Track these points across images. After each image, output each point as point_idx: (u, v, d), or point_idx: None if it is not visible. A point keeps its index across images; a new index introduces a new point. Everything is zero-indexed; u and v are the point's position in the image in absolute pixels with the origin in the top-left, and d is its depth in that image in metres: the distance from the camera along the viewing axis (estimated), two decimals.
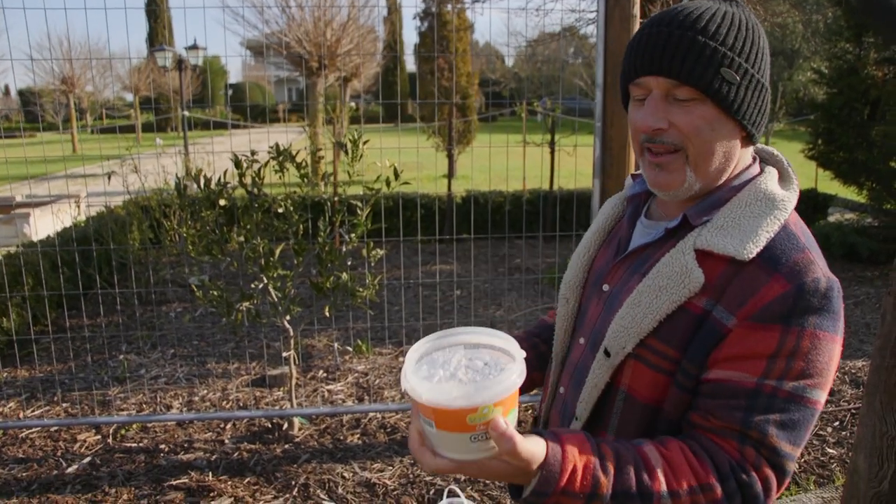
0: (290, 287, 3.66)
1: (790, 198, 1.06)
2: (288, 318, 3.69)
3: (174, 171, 5.34)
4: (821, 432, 3.88)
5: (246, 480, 3.38)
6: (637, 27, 3.19)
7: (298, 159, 3.49)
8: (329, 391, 4.45)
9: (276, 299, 3.63)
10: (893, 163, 7.72)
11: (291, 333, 3.77)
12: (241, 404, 4.26)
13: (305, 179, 3.53)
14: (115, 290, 5.36)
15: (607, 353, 1.08)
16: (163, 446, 3.72)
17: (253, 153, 3.45)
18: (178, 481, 3.36)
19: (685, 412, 1.03)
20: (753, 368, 0.96)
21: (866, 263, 7.57)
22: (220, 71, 38.85)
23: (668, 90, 1.02)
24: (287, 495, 3.26)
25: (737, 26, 1.01)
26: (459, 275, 7.40)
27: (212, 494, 3.25)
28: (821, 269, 0.98)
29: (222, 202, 3.48)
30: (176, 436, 3.83)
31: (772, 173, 1.10)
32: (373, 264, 3.70)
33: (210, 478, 3.39)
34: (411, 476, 3.42)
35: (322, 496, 3.25)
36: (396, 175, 3.48)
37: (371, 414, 4.06)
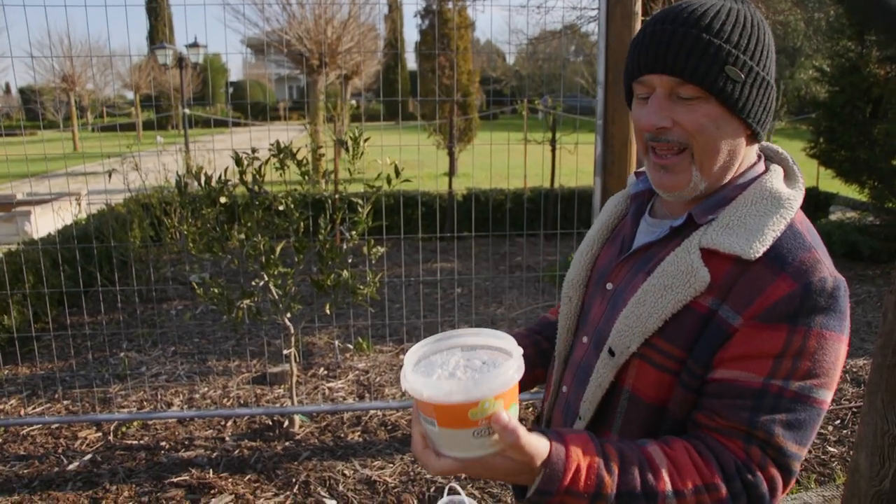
0: (290, 285, 3.66)
1: (796, 196, 1.06)
2: (289, 315, 3.69)
3: (175, 169, 5.34)
4: (822, 431, 3.88)
5: (247, 478, 3.38)
6: (639, 25, 3.19)
7: (299, 157, 3.49)
8: (330, 389, 4.45)
9: (276, 297, 3.63)
10: (895, 161, 7.72)
11: (292, 331, 3.77)
12: (242, 402, 4.26)
13: (306, 177, 3.53)
14: (116, 287, 5.36)
15: (612, 353, 1.07)
16: (164, 443, 3.72)
17: (254, 150, 3.45)
18: (178, 478, 3.37)
19: (690, 412, 1.03)
20: (759, 368, 0.95)
21: (867, 262, 7.56)
22: (221, 69, 38.85)
23: (672, 88, 1.01)
24: (287, 492, 3.26)
25: (741, 23, 1.00)
26: (460, 272, 7.39)
27: (212, 492, 3.25)
28: (827, 269, 0.98)
29: (223, 200, 3.48)
30: (177, 433, 3.83)
31: (777, 171, 1.09)
32: (374, 262, 3.70)
33: (211, 475, 3.39)
34: (412, 474, 3.42)
35: (323, 493, 3.25)
36: (397, 172, 3.48)
37: (372, 411, 4.06)
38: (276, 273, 3.57)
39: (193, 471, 3.43)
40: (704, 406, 1.00)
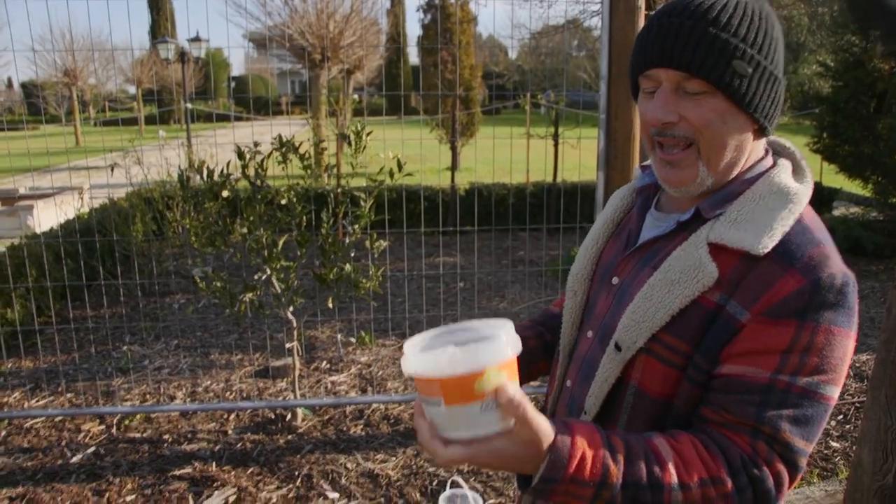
0: (293, 278, 3.66)
1: (804, 191, 1.05)
2: (291, 309, 3.69)
3: (177, 164, 5.34)
4: (825, 426, 3.88)
5: (249, 471, 3.39)
6: (642, 18, 3.18)
7: (301, 151, 3.48)
8: (332, 382, 4.45)
9: (279, 290, 3.63)
10: None
11: (294, 325, 3.77)
12: (245, 395, 4.26)
13: (309, 171, 3.52)
14: (119, 281, 5.37)
15: (618, 348, 1.06)
16: (166, 437, 3.72)
17: (256, 144, 3.45)
18: (181, 471, 3.37)
19: (696, 407, 1.02)
20: (767, 363, 0.95)
21: (871, 257, 7.55)
22: (223, 63, 38.81)
23: (679, 83, 1.00)
24: (290, 485, 3.26)
25: (749, 17, 0.99)
26: (463, 267, 7.39)
27: (215, 484, 3.26)
28: (836, 265, 0.97)
29: (225, 193, 3.48)
30: (179, 426, 3.84)
31: (785, 166, 1.08)
32: (376, 256, 3.70)
33: (213, 468, 3.40)
34: (414, 467, 3.42)
35: (325, 486, 3.26)
36: (400, 166, 3.47)
37: (374, 405, 4.07)
38: (278, 267, 3.57)
39: (196, 464, 3.44)
40: (711, 401, 0.99)
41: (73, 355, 4.94)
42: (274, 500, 3.15)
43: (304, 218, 3.58)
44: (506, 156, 5.60)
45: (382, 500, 3.17)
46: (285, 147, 3.42)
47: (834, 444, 3.67)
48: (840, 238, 7.49)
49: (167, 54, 19.15)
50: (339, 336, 5.25)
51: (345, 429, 3.82)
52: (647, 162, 1.24)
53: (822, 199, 9.55)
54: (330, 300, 3.71)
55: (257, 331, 5.44)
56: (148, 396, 4.26)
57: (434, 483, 3.28)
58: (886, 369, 2.35)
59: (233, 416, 3.96)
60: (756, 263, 0.98)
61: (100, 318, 5.77)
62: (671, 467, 0.93)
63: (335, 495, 3.19)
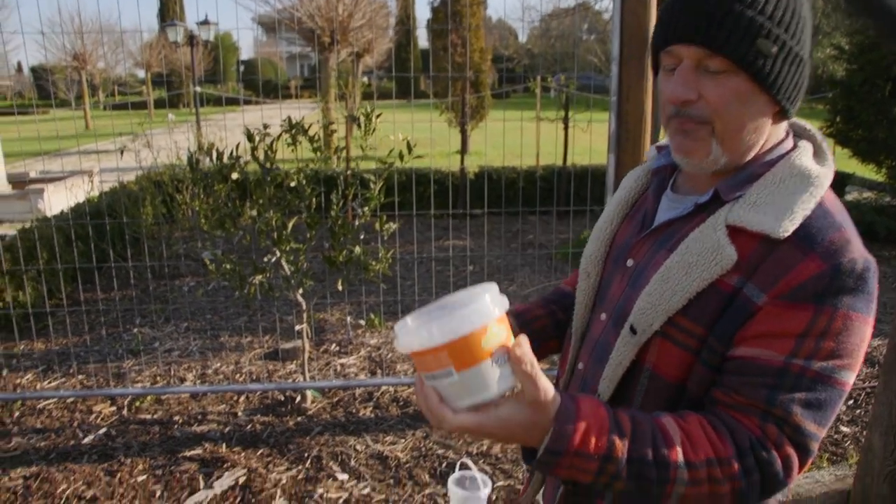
0: (302, 261, 3.66)
1: (826, 174, 1.02)
2: (301, 291, 3.69)
3: (186, 147, 5.34)
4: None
5: (259, 452, 3.41)
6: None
7: (311, 133, 3.47)
8: (342, 365, 4.47)
9: (288, 273, 3.63)
10: None
11: (304, 307, 3.78)
12: (254, 377, 4.28)
13: (318, 153, 3.51)
14: (129, 264, 5.39)
15: (633, 331, 1.05)
16: (177, 418, 3.75)
17: (265, 127, 3.44)
18: (192, 452, 3.40)
19: (708, 389, 1.01)
20: (782, 347, 0.93)
21: (884, 242, 7.49)
22: (232, 47, 38.75)
23: (700, 60, 0.97)
24: (300, 467, 3.28)
25: None
26: (472, 250, 7.39)
27: (225, 465, 3.28)
28: (858, 249, 0.94)
29: (235, 176, 3.47)
30: (190, 408, 3.86)
31: (806, 148, 1.06)
32: (385, 238, 3.69)
33: (224, 449, 3.42)
34: (423, 449, 3.43)
35: (335, 468, 3.28)
36: (410, 149, 3.45)
37: (384, 387, 4.08)
38: (288, 249, 3.57)
39: (206, 445, 3.46)
40: (723, 383, 0.98)
41: (84, 337, 4.97)
42: (283, 481, 3.17)
43: (314, 200, 3.58)
44: (516, 139, 5.58)
45: (391, 481, 3.18)
46: (295, 129, 3.41)
47: (844, 428, 3.66)
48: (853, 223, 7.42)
49: (176, 37, 19.11)
50: (348, 318, 5.27)
51: (354, 411, 3.83)
52: (663, 142, 1.22)
53: (835, 183, 9.21)
54: (339, 283, 3.72)
55: (267, 313, 5.45)
56: (158, 378, 4.29)
57: (443, 465, 3.29)
58: None
59: (242, 397, 3.98)
60: (776, 247, 0.96)
61: (110, 300, 5.81)
62: (678, 445, 0.92)
63: (344, 476, 3.21)
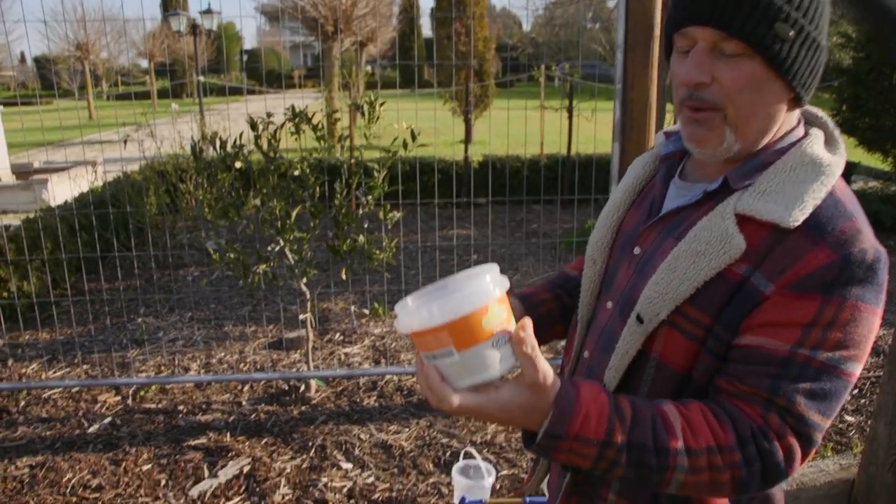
0: (306, 250, 3.65)
1: (837, 162, 1.00)
2: (304, 280, 3.69)
3: (190, 136, 5.33)
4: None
5: (263, 441, 3.41)
6: None
7: (314, 121, 3.46)
8: (346, 354, 4.47)
9: (292, 262, 3.63)
10: None
11: (308, 296, 3.78)
12: (259, 367, 4.29)
13: (322, 141, 3.50)
14: (133, 253, 5.39)
15: (640, 320, 1.03)
16: (181, 407, 3.76)
17: (269, 115, 3.42)
18: (196, 441, 3.41)
19: (713, 377, 1.00)
20: (787, 336, 0.92)
21: (889, 232, 7.46)
22: (235, 37, 38.65)
23: (716, 42, 0.95)
24: (304, 456, 3.29)
25: None
26: (476, 239, 7.37)
27: (230, 454, 3.28)
28: (868, 239, 0.93)
29: (238, 165, 3.46)
30: (194, 397, 3.87)
31: (818, 136, 1.04)
32: (389, 227, 3.69)
33: (228, 438, 3.43)
34: (427, 438, 3.44)
35: (339, 457, 3.28)
36: (413, 137, 3.44)
37: (388, 376, 4.08)
38: (291, 238, 3.56)
39: (211, 434, 3.47)
40: (727, 371, 0.97)
41: (88, 327, 4.98)
42: (288, 470, 3.18)
43: (318, 189, 3.57)
44: (520, 128, 5.55)
45: (396, 470, 3.19)
46: (298, 117, 3.39)
47: (849, 418, 3.65)
48: None
49: (179, 27, 19.06)
50: (352, 308, 5.27)
51: (358, 400, 3.84)
52: (671, 128, 1.21)
53: (842, 172, 9.42)
54: (343, 272, 3.71)
55: (271, 303, 5.46)
56: (163, 368, 4.30)
57: (447, 454, 3.30)
58: None
59: (247, 387, 3.99)
60: (785, 236, 0.94)
61: (114, 290, 5.81)
62: (678, 433, 0.91)
63: (349, 466, 3.22)
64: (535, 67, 11.77)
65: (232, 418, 3.64)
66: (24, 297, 4.93)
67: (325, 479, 3.10)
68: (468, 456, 2.93)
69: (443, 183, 8.69)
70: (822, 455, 3.26)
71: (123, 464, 3.22)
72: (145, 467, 3.20)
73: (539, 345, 0.92)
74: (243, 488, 3.04)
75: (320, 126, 3.49)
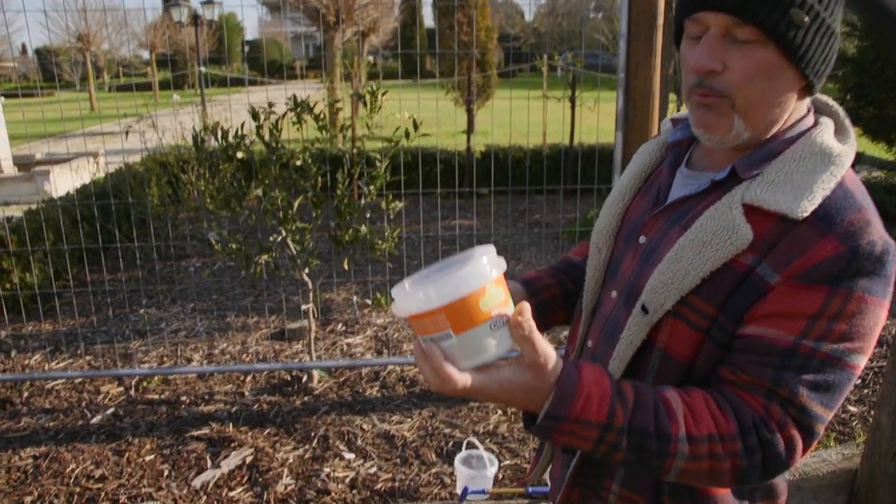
0: (308, 240, 3.65)
1: (847, 153, 0.98)
2: (307, 271, 3.68)
3: (191, 127, 5.33)
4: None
5: (266, 431, 3.42)
6: None
7: (316, 111, 3.44)
8: (348, 344, 4.47)
9: (294, 252, 3.62)
10: None
11: (310, 287, 3.77)
12: (261, 357, 4.29)
13: (324, 131, 3.49)
14: (135, 244, 5.39)
15: (645, 310, 1.02)
16: (184, 398, 3.76)
17: (270, 105, 3.41)
18: (199, 432, 3.41)
19: (716, 367, 0.99)
20: (792, 327, 0.91)
21: (893, 222, 7.44)
22: (237, 27, 38.56)
23: (728, 29, 0.93)
24: (307, 446, 3.29)
25: None
26: (479, 229, 7.36)
27: (232, 445, 3.29)
28: (877, 231, 0.91)
29: (240, 155, 3.45)
30: (196, 388, 3.88)
31: (828, 125, 1.02)
32: (391, 217, 3.68)
33: (231, 429, 3.43)
34: (430, 428, 3.44)
35: (341, 447, 3.29)
36: (416, 127, 3.42)
37: (390, 367, 4.08)
38: (293, 228, 3.56)
39: (213, 424, 3.47)
40: (730, 361, 0.96)
41: (91, 318, 4.99)
42: (290, 460, 3.18)
43: (320, 179, 3.56)
44: (522, 118, 5.53)
45: (398, 460, 3.19)
46: (300, 107, 3.38)
47: (852, 408, 3.65)
48: None
49: (180, 18, 19.02)
50: (354, 298, 5.26)
51: (360, 390, 3.84)
52: (678, 115, 1.19)
53: None
54: (345, 262, 3.71)
55: (273, 293, 5.46)
56: (165, 359, 4.30)
57: (450, 444, 3.30)
58: None
59: (249, 377, 3.99)
60: (793, 227, 0.93)
61: (117, 281, 5.82)
62: (680, 419, 0.91)
63: (351, 456, 3.22)
64: (537, 57, 11.72)
65: (234, 409, 3.64)
66: (26, 289, 4.94)
67: (327, 470, 3.11)
68: (471, 446, 2.93)
69: (445, 173, 8.67)
70: (824, 445, 3.26)
71: (126, 454, 3.22)
72: (148, 458, 3.20)
73: (542, 330, 0.91)
74: (246, 478, 3.05)
75: (322, 116, 3.48)
